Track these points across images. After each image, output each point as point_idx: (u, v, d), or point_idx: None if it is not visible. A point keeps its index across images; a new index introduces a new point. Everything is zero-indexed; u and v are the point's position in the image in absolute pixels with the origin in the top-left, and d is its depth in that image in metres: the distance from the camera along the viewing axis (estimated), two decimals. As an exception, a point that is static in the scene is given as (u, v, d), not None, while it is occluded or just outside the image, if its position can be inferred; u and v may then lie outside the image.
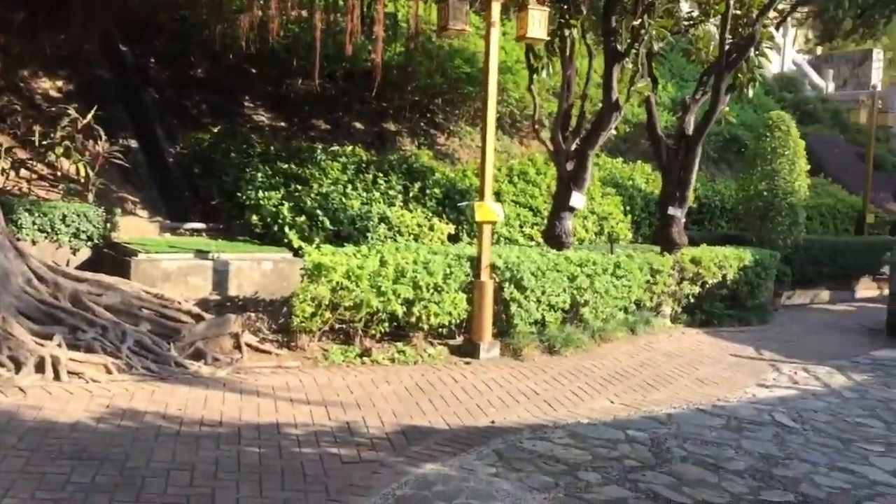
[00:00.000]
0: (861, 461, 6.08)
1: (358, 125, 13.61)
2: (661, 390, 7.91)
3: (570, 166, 10.09)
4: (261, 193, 10.37)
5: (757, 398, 7.84)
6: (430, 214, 11.14)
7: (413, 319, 8.33)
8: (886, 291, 17.27)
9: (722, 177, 16.66)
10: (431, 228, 10.94)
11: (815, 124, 22.17)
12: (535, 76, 10.69)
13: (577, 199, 9.91)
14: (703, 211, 14.72)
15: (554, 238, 10.05)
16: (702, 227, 14.62)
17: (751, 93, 11.84)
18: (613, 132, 10.41)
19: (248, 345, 7.85)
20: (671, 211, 11.09)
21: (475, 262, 8.63)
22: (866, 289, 16.56)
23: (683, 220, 11.42)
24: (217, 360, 7.46)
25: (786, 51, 28.37)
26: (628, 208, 13.53)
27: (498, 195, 11.66)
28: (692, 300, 11.21)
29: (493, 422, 6.52)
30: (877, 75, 28.47)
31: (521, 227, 11.86)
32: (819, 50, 29.78)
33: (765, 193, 13.53)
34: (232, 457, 5.24)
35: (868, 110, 17.86)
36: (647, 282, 10.42)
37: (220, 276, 9.00)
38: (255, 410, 6.29)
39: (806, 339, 11.26)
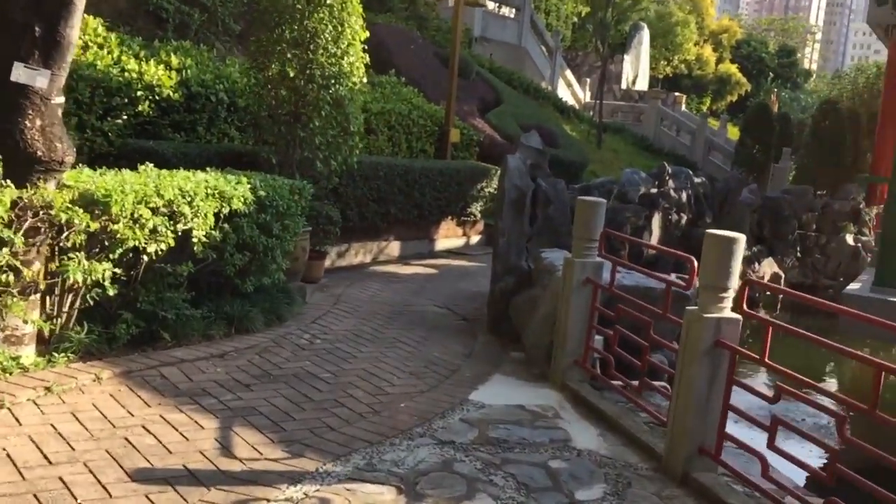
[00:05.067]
0: None
1: None
2: None
3: None
4: None
5: None
6: None
7: None
8: (475, 239, 12.71)
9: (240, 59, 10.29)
10: None
11: (387, 13, 16.89)
12: None
13: None
14: (194, 108, 8.20)
15: None
16: (193, 136, 8.14)
17: None
18: None
19: None
20: (21, 75, 4.28)
21: None
22: (449, 235, 11.62)
23: (62, 99, 4.58)
24: None
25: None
26: None
27: None
28: (107, 294, 4.74)
29: None
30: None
31: None
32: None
33: (292, 77, 7.42)
34: None
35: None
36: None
37: None
38: None
39: (350, 367, 5.45)
